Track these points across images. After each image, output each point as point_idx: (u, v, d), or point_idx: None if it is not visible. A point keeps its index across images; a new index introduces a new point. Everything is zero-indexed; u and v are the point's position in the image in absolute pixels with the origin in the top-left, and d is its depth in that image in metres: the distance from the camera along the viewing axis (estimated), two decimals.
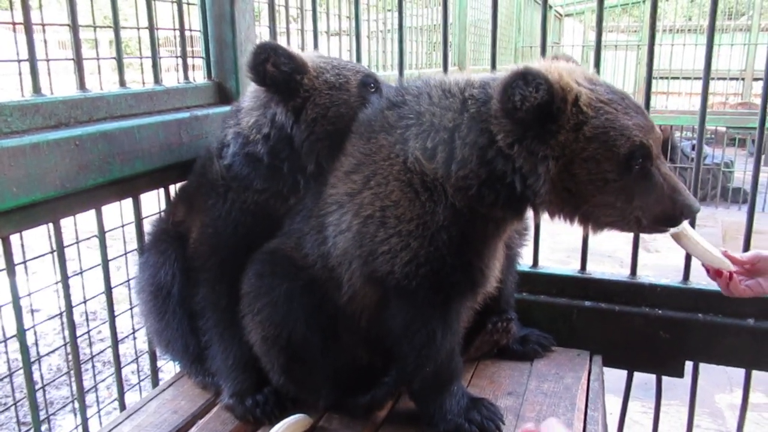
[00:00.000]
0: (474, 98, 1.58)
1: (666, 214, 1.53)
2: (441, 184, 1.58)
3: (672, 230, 1.71)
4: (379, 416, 1.82)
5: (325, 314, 1.76)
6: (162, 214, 2.20)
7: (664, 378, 2.40)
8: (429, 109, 1.62)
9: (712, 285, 2.25)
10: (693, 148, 9.10)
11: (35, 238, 2.27)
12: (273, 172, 1.83)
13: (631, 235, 2.42)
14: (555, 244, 6.27)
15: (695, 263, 2.31)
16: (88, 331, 2.55)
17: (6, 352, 2.31)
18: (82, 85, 1.91)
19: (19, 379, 2.45)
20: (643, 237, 2.37)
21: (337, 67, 1.83)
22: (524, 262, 2.30)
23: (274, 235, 1.87)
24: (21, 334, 1.79)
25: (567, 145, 1.47)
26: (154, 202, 2.30)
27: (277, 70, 1.72)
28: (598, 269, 2.45)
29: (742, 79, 12.10)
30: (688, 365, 2.30)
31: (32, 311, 2.48)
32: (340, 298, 1.75)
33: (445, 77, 1.70)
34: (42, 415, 2.28)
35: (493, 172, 1.53)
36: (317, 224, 1.76)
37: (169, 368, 2.70)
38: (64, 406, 3.41)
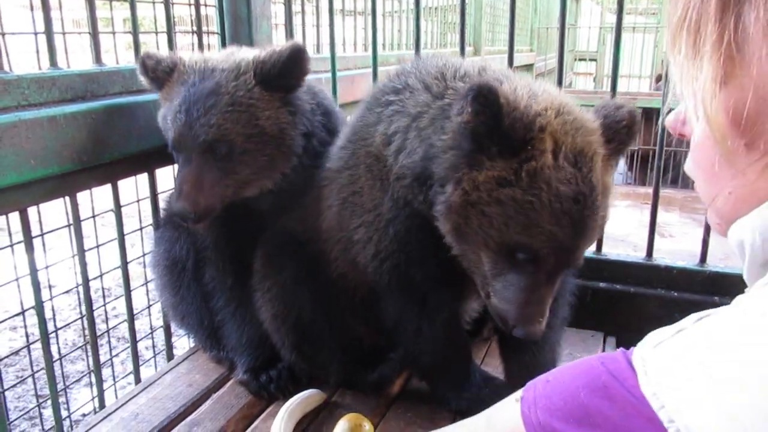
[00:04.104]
0: (455, 91, 1.44)
1: (503, 316, 1.39)
2: (388, 173, 1.52)
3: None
4: (392, 392, 1.83)
5: (330, 292, 1.76)
6: None
7: None
8: (411, 87, 1.54)
9: (728, 268, 2.25)
10: None
11: (51, 215, 2.29)
12: None
13: (646, 219, 2.40)
14: None
15: (712, 246, 2.30)
16: (105, 304, 2.57)
17: (25, 326, 2.34)
18: (98, 59, 1.92)
19: (35, 353, 2.49)
20: (658, 221, 2.35)
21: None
22: None
23: (266, 214, 1.85)
24: (39, 306, 1.81)
25: (479, 187, 1.30)
26: (169, 177, 2.30)
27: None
28: (611, 252, 2.43)
29: None
30: None
31: (50, 287, 2.51)
32: (331, 274, 1.75)
33: (462, 62, 1.60)
34: (58, 387, 2.31)
35: (426, 169, 1.42)
36: (317, 195, 1.76)
37: (182, 344, 2.73)
38: (79, 379, 3.46)
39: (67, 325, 2.76)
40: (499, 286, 1.37)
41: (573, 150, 1.29)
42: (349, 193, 1.63)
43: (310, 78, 1.76)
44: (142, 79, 1.76)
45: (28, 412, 3.24)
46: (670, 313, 2.23)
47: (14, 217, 1.73)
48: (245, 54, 1.73)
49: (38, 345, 1.90)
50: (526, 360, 1.68)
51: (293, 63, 1.66)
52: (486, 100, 1.24)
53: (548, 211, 1.26)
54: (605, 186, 1.36)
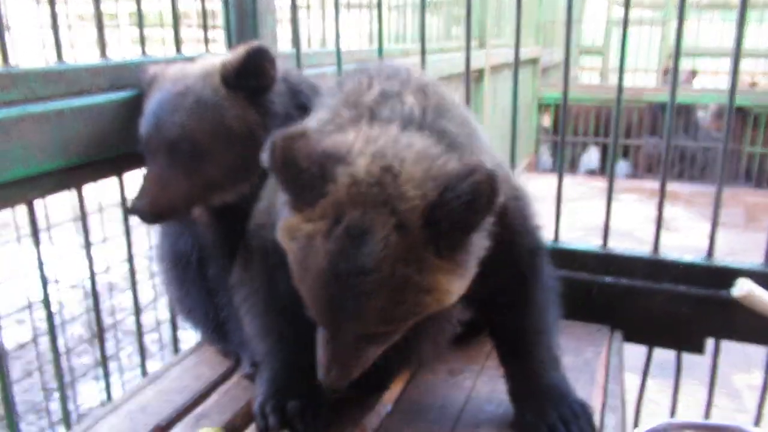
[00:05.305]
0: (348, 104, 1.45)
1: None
2: None
3: (735, 293, 1.64)
4: (395, 390, 1.83)
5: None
6: None
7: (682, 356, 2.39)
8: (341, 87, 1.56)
9: (735, 262, 2.23)
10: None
11: (55, 211, 2.30)
12: None
13: (651, 213, 2.39)
14: (573, 222, 6.22)
15: (719, 241, 2.29)
16: (111, 298, 2.58)
17: (32, 320, 2.35)
18: (104, 53, 1.92)
19: (41, 346, 2.51)
20: (664, 216, 2.34)
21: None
22: (546, 237, 2.27)
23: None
24: (46, 299, 1.82)
25: (283, 230, 1.28)
26: None
27: None
28: (617, 246, 2.42)
29: None
30: (709, 342, 2.28)
31: (56, 281, 2.52)
32: None
33: (391, 79, 1.50)
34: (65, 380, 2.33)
35: None
36: None
37: (188, 339, 2.74)
38: (85, 373, 3.48)
39: (74, 318, 2.78)
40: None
41: (358, 227, 1.18)
42: None
43: (311, 73, 1.73)
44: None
45: (35, 405, 3.27)
46: (677, 307, 2.23)
47: (19, 211, 1.74)
48: (218, 58, 1.73)
49: (44, 339, 1.91)
50: (526, 364, 1.66)
51: (251, 62, 1.65)
52: (273, 154, 1.21)
53: (312, 277, 1.22)
54: (398, 275, 1.17)
